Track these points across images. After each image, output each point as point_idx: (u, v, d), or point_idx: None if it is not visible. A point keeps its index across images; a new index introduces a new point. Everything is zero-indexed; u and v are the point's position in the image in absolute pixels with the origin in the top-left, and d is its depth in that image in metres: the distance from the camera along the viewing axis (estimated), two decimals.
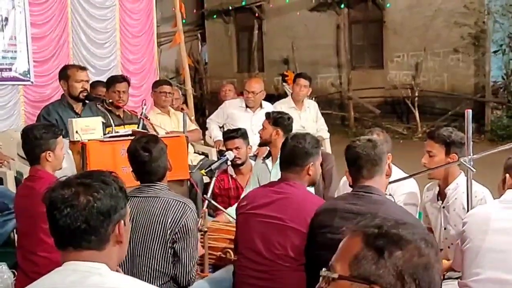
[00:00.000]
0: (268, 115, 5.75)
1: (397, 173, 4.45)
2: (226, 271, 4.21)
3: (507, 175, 3.35)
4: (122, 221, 2.12)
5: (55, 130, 4.45)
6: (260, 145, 5.82)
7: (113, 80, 6.50)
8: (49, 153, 4.26)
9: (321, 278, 1.67)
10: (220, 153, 6.02)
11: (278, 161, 5.42)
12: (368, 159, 3.46)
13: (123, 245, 2.15)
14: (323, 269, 1.68)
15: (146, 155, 3.75)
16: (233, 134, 5.97)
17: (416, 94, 14.67)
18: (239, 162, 5.86)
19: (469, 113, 4.03)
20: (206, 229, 4.69)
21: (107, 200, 2.06)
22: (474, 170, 3.95)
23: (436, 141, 4.25)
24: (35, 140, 4.25)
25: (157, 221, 3.62)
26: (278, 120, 5.61)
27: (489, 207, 3.45)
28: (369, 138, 3.56)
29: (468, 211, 3.96)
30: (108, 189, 2.08)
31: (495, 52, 14.20)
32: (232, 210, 5.02)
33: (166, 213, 3.62)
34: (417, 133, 14.10)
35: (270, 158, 5.62)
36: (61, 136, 4.46)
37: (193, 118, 7.92)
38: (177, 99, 7.91)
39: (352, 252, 1.63)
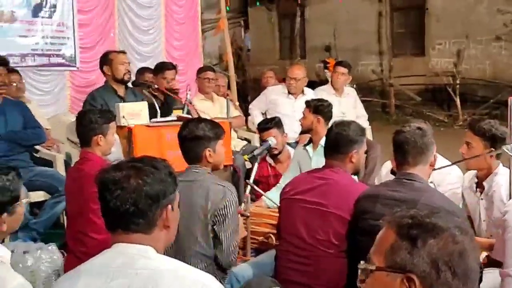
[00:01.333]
0: (308, 103, 5.71)
1: (441, 161, 4.39)
2: (268, 255, 4.21)
3: None
4: (170, 206, 2.14)
5: (109, 115, 4.52)
6: (302, 132, 5.79)
7: (162, 67, 6.55)
8: (100, 137, 4.33)
9: (359, 271, 1.68)
10: (262, 139, 6.02)
11: (319, 148, 5.44)
12: (415, 146, 3.42)
13: (171, 230, 2.17)
14: (361, 262, 1.69)
15: (187, 131, 3.74)
16: (268, 125, 5.96)
17: (458, 82, 14.45)
18: (275, 152, 5.84)
19: (511, 101, 3.94)
20: (248, 214, 4.70)
21: (156, 184, 2.08)
22: None
23: (476, 133, 4.13)
24: (90, 124, 4.32)
25: (198, 205, 3.62)
26: (319, 108, 5.58)
27: None
28: (418, 126, 3.50)
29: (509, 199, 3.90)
30: (158, 173, 2.10)
31: None
32: (272, 195, 5.03)
33: (207, 196, 3.62)
34: (458, 121, 13.89)
35: (311, 144, 5.61)
36: (114, 122, 4.53)
37: (237, 104, 7.93)
38: (222, 86, 7.92)
39: (387, 243, 1.64)
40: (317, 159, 5.32)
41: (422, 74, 15.39)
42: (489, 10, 14.37)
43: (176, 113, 5.61)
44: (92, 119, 4.34)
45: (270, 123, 5.97)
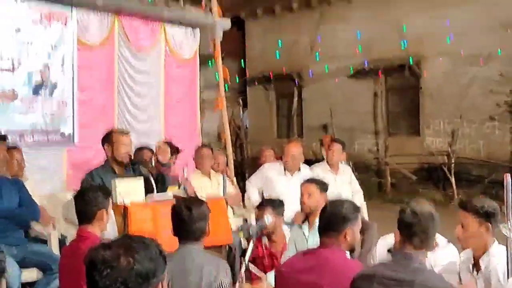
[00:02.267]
0: (314, 181, 5.66)
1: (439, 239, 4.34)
2: None
3: None
4: (160, 285, 2.07)
5: (108, 190, 4.47)
6: (308, 213, 5.62)
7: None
8: (104, 211, 4.23)
9: None
10: (257, 218, 5.94)
11: (314, 228, 5.35)
12: (425, 231, 3.37)
13: None
14: None
15: (186, 213, 3.77)
16: (262, 203, 5.91)
17: (453, 161, 14.46)
18: (265, 232, 5.70)
19: (508, 177, 3.91)
20: None
21: (147, 262, 2.01)
22: None
23: (469, 211, 4.08)
24: (94, 199, 4.22)
25: (193, 282, 3.56)
26: (323, 186, 5.54)
27: None
28: (430, 211, 3.46)
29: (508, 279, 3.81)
30: (148, 252, 2.04)
31: None
32: (269, 275, 4.93)
33: (201, 273, 3.57)
34: (454, 200, 13.81)
35: (307, 223, 5.52)
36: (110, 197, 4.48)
37: (234, 181, 7.89)
38: (221, 163, 7.89)
39: None
40: (313, 239, 5.23)
41: (417, 153, 15.43)
42: (482, 90, 14.52)
43: (172, 189, 5.57)
44: (96, 195, 4.25)
45: (266, 202, 5.92)
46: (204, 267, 3.59)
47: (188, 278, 3.58)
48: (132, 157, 6.02)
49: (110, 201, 4.40)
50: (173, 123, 8.92)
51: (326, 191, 5.58)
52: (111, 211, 4.52)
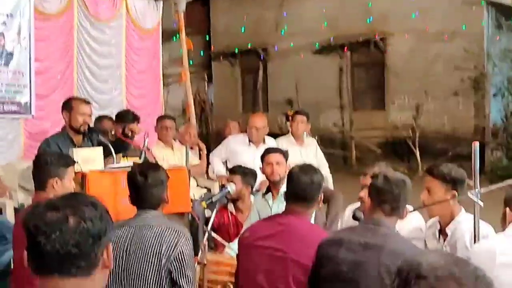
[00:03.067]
0: (280, 150, 5.58)
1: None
2: None
3: (507, 208, 3.12)
4: (110, 244, 1.92)
5: (68, 159, 4.28)
6: (275, 182, 5.51)
7: (124, 118, 6.33)
8: (56, 180, 4.06)
9: None
10: (222, 185, 5.83)
11: (279, 197, 5.25)
12: (396, 199, 3.29)
13: (108, 270, 1.95)
14: None
15: (141, 179, 3.58)
16: (234, 169, 5.79)
17: (417, 135, 14.49)
18: (229, 197, 5.58)
19: (476, 146, 3.82)
20: (205, 262, 4.48)
21: (97, 222, 1.86)
22: (482, 204, 3.72)
23: (436, 177, 3.98)
24: (45, 165, 4.08)
25: (151, 250, 3.41)
26: (286, 155, 5.48)
27: (493, 241, 3.20)
28: (403, 179, 3.37)
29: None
30: (97, 210, 1.88)
31: (494, 95, 14.07)
32: (234, 245, 4.80)
33: (160, 241, 3.41)
34: (418, 173, 13.86)
35: (270, 194, 5.41)
36: (72, 167, 4.27)
37: (204, 152, 7.71)
38: (193, 135, 7.72)
39: None
40: (277, 209, 5.13)
41: (382, 127, 15.45)
42: (447, 66, 14.54)
43: (132, 159, 5.40)
44: (48, 161, 4.09)
45: (238, 169, 5.81)
46: (164, 234, 3.43)
47: (146, 246, 3.42)
48: (92, 127, 5.82)
49: (69, 169, 4.21)
50: (135, 94, 8.76)
51: (287, 160, 5.49)
52: (72, 182, 4.34)
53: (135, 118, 6.37)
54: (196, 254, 4.62)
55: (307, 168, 3.77)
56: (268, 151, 5.64)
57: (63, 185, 4.11)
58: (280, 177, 5.34)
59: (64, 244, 1.80)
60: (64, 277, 1.82)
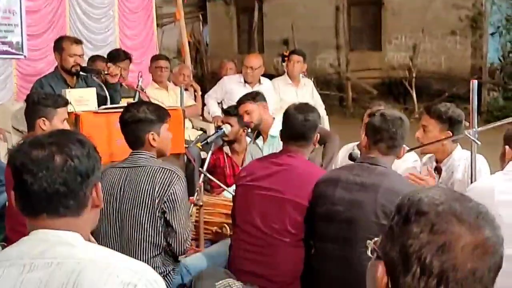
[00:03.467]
0: (242, 100, 5.48)
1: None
2: (222, 245, 4.01)
3: (507, 146, 3.08)
4: (99, 183, 1.87)
5: (57, 99, 4.19)
6: (254, 129, 5.47)
7: (115, 57, 6.22)
8: (43, 120, 4.00)
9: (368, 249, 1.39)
10: (217, 127, 5.76)
11: (269, 139, 5.23)
12: (393, 137, 3.26)
13: (98, 210, 1.91)
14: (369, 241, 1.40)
15: (129, 114, 3.51)
16: (231, 111, 5.70)
17: (414, 75, 14.38)
18: (226, 139, 5.52)
19: (474, 84, 3.77)
20: (201, 203, 4.47)
21: (84, 160, 1.80)
22: (479, 143, 3.70)
23: (432, 116, 3.99)
24: (33, 105, 4.03)
25: (145, 190, 3.39)
26: (256, 95, 5.47)
27: (492, 179, 3.17)
28: (400, 116, 3.33)
29: (471, 181, 3.72)
30: (85, 148, 1.82)
31: (492, 34, 13.90)
32: (230, 188, 4.79)
33: (153, 182, 3.38)
34: (414, 114, 13.82)
35: (261, 137, 5.37)
36: (64, 109, 4.19)
37: (199, 93, 7.63)
38: (187, 75, 7.62)
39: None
40: (268, 151, 5.12)
41: (379, 68, 15.31)
42: (445, 5, 14.32)
43: (127, 101, 5.32)
44: (35, 99, 4.04)
45: (234, 110, 5.72)
46: (157, 175, 3.39)
47: (140, 187, 3.40)
48: (85, 68, 5.71)
49: (60, 110, 4.14)
50: (128, 34, 8.60)
51: (263, 98, 5.44)
52: (64, 123, 4.27)
53: (127, 58, 6.25)
54: (192, 195, 4.63)
55: (303, 107, 3.72)
56: (238, 101, 5.57)
57: (51, 126, 4.03)
58: (255, 124, 5.33)
59: (51, 183, 1.74)
60: (53, 216, 1.76)
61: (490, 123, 4.23)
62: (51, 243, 1.71)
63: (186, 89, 7.39)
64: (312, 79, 10.12)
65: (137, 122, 3.47)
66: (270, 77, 7.90)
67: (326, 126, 7.55)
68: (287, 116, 3.70)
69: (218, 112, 7.00)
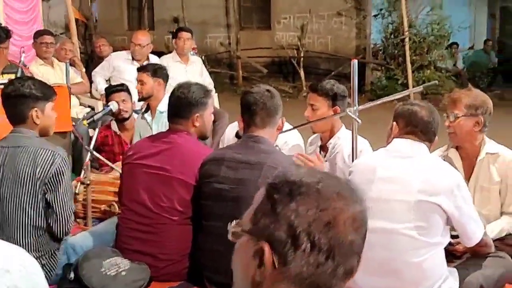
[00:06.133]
0: (144, 67, 5.44)
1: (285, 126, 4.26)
2: (109, 223, 3.92)
3: (394, 123, 3.18)
4: None
5: None
6: (142, 99, 5.42)
7: None
8: None
9: (230, 234, 1.39)
10: (105, 104, 5.63)
11: (157, 115, 5.17)
12: (263, 108, 3.26)
13: None
14: (232, 223, 1.40)
15: (12, 87, 3.36)
16: (119, 88, 5.60)
17: (302, 55, 14.60)
18: (126, 116, 5.49)
19: (354, 63, 3.87)
20: (88, 182, 4.38)
21: None
22: (360, 121, 3.81)
23: (319, 94, 4.09)
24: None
25: (26, 172, 3.27)
26: (157, 70, 5.32)
27: (374, 156, 3.28)
28: (268, 89, 3.33)
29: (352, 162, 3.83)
30: None
31: (375, 16, 14.29)
32: (119, 168, 4.70)
33: (34, 163, 3.27)
34: (303, 92, 14.04)
35: (149, 112, 5.31)
36: None
37: (83, 70, 7.40)
38: (69, 50, 7.37)
39: (255, 205, 1.37)
40: (157, 128, 5.07)
41: (268, 47, 15.43)
42: None
43: (8, 76, 5.10)
44: None
45: (122, 86, 5.61)
46: (38, 156, 3.27)
47: (21, 168, 3.27)
48: None
49: None
50: (14, 6, 8.16)
51: (163, 76, 5.38)
52: None
53: (7, 37, 5.93)
54: (79, 174, 4.51)
55: (182, 85, 3.69)
56: (137, 69, 5.54)
57: None
58: (143, 97, 5.30)
59: None
60: None
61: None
62: None
63: (72, 65, 7.18)
64: (203, 57, 10.08)
65: (21, 96, 3.33)
66: (161, 54, 7.80)
67: (216, 104, 7.56)
68: (170, 93, 3.69)
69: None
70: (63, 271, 3.39)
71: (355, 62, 3.86)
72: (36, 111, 3.35)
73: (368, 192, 2.98)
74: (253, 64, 15.34)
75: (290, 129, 4.23)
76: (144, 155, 3.57)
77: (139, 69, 5.45)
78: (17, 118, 3.37)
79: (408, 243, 2.92)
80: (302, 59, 14.53)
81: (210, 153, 3.47)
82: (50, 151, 3.29)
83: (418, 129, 3.10)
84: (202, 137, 3.77)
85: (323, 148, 4.25)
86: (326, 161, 4.18)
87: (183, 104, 3.56)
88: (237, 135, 4.19)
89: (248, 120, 3.32)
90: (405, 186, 2.95)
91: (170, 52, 8.15)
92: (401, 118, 3.16)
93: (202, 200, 3.33)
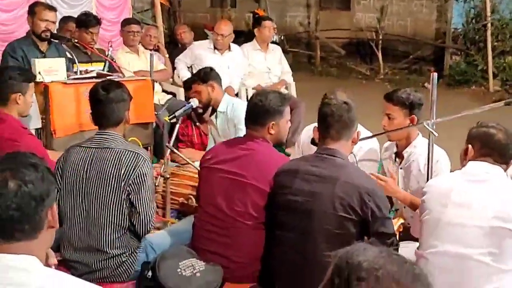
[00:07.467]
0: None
1: (361, 131, 4.21)
2: (186, 222, 3.99)
3: (470, 145, 3.09)
4: (55, 205, 1.84)
5: (29, 74, 4.21)
6: (205, 108, 5.39)
7: (86, 22, 5.99)
8: (19, 95, 4.00)
9: None
10: (188, 97, 5.64)
11: (219, 115, 5.20)
12: (339, 120, 3.21)
13: (53, 230, 1.89)
14: None
15: (103, 94, 3.46)
16: (192, 79, 5.55)
17: (380, 37, 14.30)
18: (200, 111, 5.44)
19: (434, 76, 3.78)
20: (168, 176, 4.47)
21: (38, 183, 1.77)
22: (437, 134, 3.72)
23: (395, 104, 4.00)
24: (9, 80, 3.98)
25: (111, 172, 3.36)
26: (205, 76, 5.25)
27: (450, 179, 3.16)
28: (345, 101, 3.27)
29: (428, 174, 3.75)
30: (39, 172, 1.79)
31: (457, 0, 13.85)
32: (197, 163, 4.76)
33: (119, 164, 3.35)
34: (380, 75, 13.85)
35: (215, 114, 5.32)
36: (33, 83, 4.20)
37: (166, 56, 7.46)
38: (154, 37, 7.43)
39: (324, 280, 1.38)
40: (220, 126, 5.27)
41: (347, 28, 15.19)
42: None
43: (97, 65, 5.22)
44: (11, 75, 4.00)
45: (196, 77, 5.59)
46: (122, 157, 3.36)
47: (106, 169, 3.36)
48: (55, 34, 5.56)
49: (31, 85, 4.16)
50: None
51: (212, 78, 5.29)
52: (33, 96, 4.23)
53: (98, 23, 6.05)
54: (162, 158, 4.60)
55: (260, 92, 3.71)
56: (186, 82, 5.65)
57: (25, 100, 4.11)
58: (204, 103, 5.22)
59: (5, 209, 1.73)
60: (9, 241, 1.75)
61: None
62: (6, 268, 1.69)
63: (156, 50, 7.28)
64: (282, 37, 10.02)
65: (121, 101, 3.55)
66: (241, 33, 7.80)
67: (293, 93, 7.54)
68: (249, 100, 3.70)
69: (187, 76, 6.91)
70: (141, 268, 3.48)
71: (435, 74, 3.77)
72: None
73: (441, 216, 2.93)
74: (331, 45, 15.15)
75: (367, 137, 4.18)
76: (221, 160, 3.61)
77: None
78: (111, 121, 3.50)
79: (480, 269, 2.84)
80: (380, 41, 14.24)
81: (285, 163, 3.46)
82: (134, 153, 3.39)
83: (494, 152, 3.01)
84: (278, 143, 3.79)
85: (399, 155, 4.19)
86: (401, 168, 4.13)
87: (259, 111, 3.57)
88: (313, 142, 4.17)
89: (323, 131, 3.29)
90: (479, 212, 2.87)
91: (249, 30, 8.12)
92: (476, 140, 3.06)
93: (274, 209, 3.34)
